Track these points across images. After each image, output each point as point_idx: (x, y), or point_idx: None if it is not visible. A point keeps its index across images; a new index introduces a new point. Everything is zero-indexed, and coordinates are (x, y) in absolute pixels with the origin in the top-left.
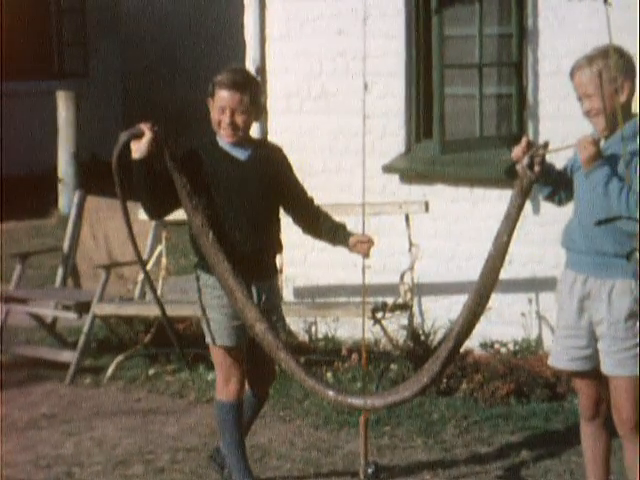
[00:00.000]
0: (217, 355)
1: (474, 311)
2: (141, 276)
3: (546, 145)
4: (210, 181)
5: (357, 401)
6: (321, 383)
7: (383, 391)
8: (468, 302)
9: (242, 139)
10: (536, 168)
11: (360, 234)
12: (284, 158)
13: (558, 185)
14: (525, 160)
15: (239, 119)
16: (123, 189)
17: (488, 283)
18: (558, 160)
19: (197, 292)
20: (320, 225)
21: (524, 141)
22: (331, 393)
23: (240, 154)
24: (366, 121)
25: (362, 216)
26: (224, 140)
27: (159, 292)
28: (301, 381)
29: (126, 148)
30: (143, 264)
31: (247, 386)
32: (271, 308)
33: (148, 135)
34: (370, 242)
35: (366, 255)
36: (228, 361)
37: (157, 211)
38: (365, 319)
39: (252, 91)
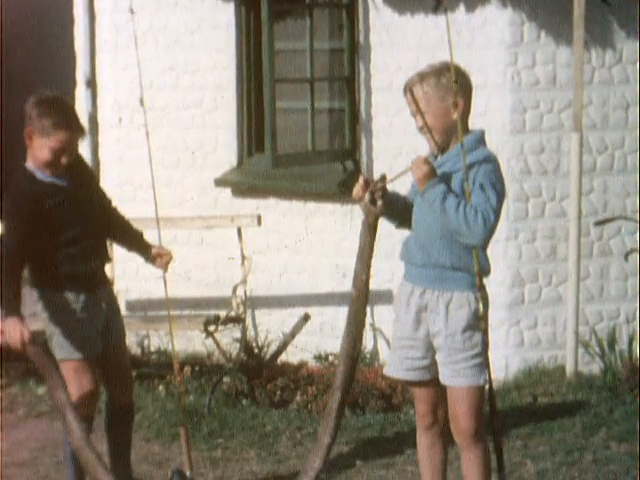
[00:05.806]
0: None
1: (351, 355)
2: None
3: (384, 178)
4: (43, 215)
5: None
6: None
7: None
8: (343, 347)
9: None
10: (378, 203)
11: (159, 246)
12: (91, 170)
13: (406, 213)
14: (366, 197)
15: (72, 156)
16: None
17: (358, 324)
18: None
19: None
20: (122, 232)
21: (361, 179)
22: None
23: (60, 181)
24: (197, 134)
25: (157, 230)
26: (44, 173)
27: None
28: None
29: None
30: None
31: (110, 401)
32: (116, 311)
33: None
34: (169, 255)
35: (165, 269)
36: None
37: None
38: (173, 332)
39: (81, 125)
